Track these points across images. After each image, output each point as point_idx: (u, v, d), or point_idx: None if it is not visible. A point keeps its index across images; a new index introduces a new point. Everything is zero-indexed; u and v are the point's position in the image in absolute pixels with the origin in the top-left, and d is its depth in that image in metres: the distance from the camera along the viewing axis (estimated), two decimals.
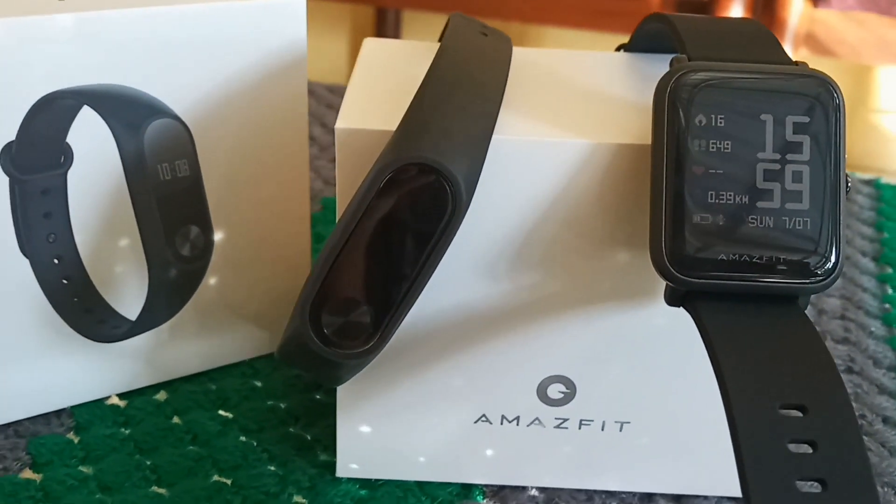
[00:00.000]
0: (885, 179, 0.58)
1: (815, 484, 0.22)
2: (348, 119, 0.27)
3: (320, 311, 0.25)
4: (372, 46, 0.33)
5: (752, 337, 0.25)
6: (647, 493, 0.33)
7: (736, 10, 1.35)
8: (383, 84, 0.30)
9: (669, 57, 0.33)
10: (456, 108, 0.26)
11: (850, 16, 1.20)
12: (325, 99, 0.64)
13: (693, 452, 0.32)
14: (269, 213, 0.36)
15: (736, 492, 0.33)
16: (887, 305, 0.46)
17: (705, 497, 0.33)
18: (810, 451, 0.22)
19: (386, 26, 1.56)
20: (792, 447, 0.22)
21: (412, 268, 0.25)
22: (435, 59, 0.27)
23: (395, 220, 0.25)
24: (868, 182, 0.58)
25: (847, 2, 1.16)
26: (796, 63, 0.27)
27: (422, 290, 0.26)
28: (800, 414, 0.23)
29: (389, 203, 0.25)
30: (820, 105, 0.26)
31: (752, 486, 0.21)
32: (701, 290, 0.26)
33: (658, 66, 0.32)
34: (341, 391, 0.31)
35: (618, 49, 0.36)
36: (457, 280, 0.29)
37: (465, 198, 0.25)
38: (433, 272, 0.25)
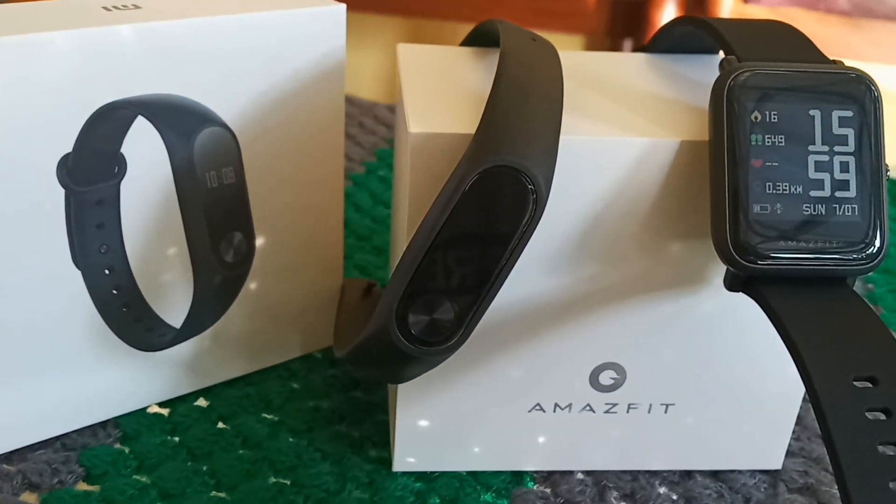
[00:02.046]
0: None
1: (893, 447, 0.24)
2: (421, 124, 0.28)
3: (407, 310, 0.26)
4: (409, 52, 0.34)
5: (817, 315, 0.27)
6: (688, 470, 0.35)
7: (669, 7, 1.39)
8: (438, 89, 0.31)
9: (697, 57, 0.35)
10: (530, 111, 0.27)
11: (779, 11, 1.25)
12: None
13: (731, 429, 0.34)
14: (306, 217, 0.37)
15: (769, 464, 0.35)
16: (870, 286, 0.49)
17: (741, 471, 0.35)
18: (883, 417, 0.24)
19: None
20: (869, 415, 0.24)
21: (494, 265, 0.26)
22: (501, 64, 0.28)
23: (479, 221, 0.26)
24: None
25: None
26: (833, 61, 0.29)
27: (502, 285, 0.27)
28: (870, 385, 0.25)
29: (474, 204, 0.26)
30: (861, 100, 0.28)
31: (840, 451, 0.23)
32: (763, 275, 0.27)
33: (692, 66, 0.34)
34: (401, 389, 0.32)
35: (636, 51, 0.37)
36: (521, 275, 0.30)
37: (545, 197, 0.26)
38: (513, 268, 0.27)
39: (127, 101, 0.30)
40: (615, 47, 1.40)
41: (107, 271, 0.32)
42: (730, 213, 0.27)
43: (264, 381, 0.38)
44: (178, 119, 0.31)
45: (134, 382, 0.35)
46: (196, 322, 0.35)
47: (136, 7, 0.31)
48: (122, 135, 0.31)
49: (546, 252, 0.30)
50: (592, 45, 1.45)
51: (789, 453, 0.36)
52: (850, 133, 0.28)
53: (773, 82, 0.28)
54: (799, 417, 0.37)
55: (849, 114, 0.28)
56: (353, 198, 0.54)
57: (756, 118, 0.27)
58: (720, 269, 0.31)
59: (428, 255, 0.26)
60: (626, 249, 0.30)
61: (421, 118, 0.28)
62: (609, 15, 1.45)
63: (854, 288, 0.49)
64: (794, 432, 0.37)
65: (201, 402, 0.37)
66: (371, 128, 0.65)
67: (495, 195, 0.26)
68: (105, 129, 0.30)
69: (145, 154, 0.31)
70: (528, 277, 0.30)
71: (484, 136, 0.26)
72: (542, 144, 0.27)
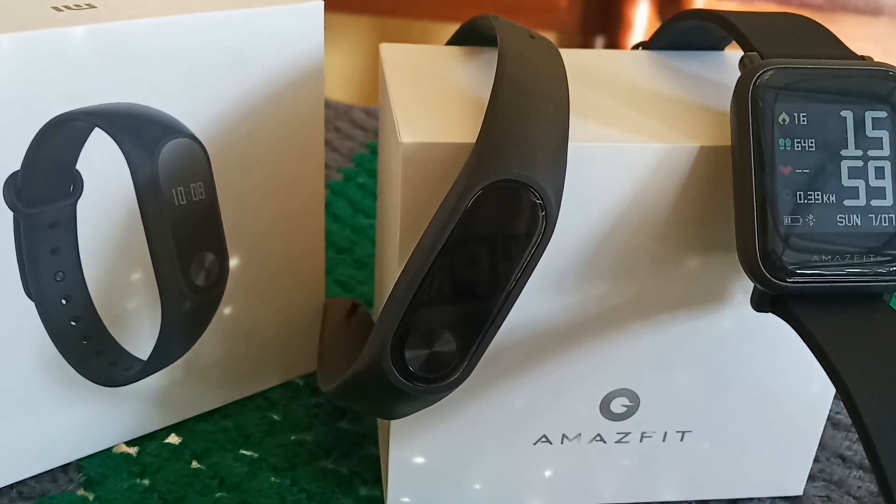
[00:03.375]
0: None
1: None
2: (413, 133, 0.25)
3: (403, 343, 0.23)
4: (394, 52, 0.31)
5: (858, 338, 0.24)
6: (704, 500, 0.32)
7: (643, 4, 1.37)
8: (428, 94, 0.28)
9: (703, 54, 0.33)
10: (536, 117, 0.24)
11: (753, 6, 1.24)
12: None
13: (750, 455, 0.32)
14: (284, 233, 0.34)
15: (790, 490, 0.32)
16: None
17: (760, 499, 0.33)
18: None
19: None
20: None
21: (500, 291, 0.23)
22: (501, 64, 0.26)
23: (483, 242, 0.23)
24: None
25: None
26: (862, 57, 0.27)
27: (509, 312, 0.24)
28: None
29: (476, 224, 0.23)
30: (895, 99, 0.25)
31: None
32: (795, 293, 0.25)
33: (697, 63, 0.32)
34: (394, 423, 0.29)
35: (636, 47, 0.35)
36: (524, 295, 0.27)
37: (555, 213, 0.23)
38: (521, 292, 0.24)
39: (82, 112, 0.27)
40: (587, 44, 1.38)
41: (63, 301, 0.29)
42: (758, 225, 0.25)
43: (242, 412, 0.35)
44: (139, 130, 0.28)
45: (97, 421, 0.32)
46: (165, 353, 0.32)
47: (91, 6, 0.28)
48: (78, 149, 0.27)
49: (552, 270, 0.27)
50: (564, 43, 1.43)
51: (809, 477, 0.34)
52: (884, 135, 0.25)
53: (801, 81, 0.25)
54: None
55: (883, 114, 0.25)
56: (332, 207, 0.51)
57: (784, 120, 0.25)
58: (740, 286, 0.28)
59: (425, 282, 0.23)
60: (639, 265, 0.27)
61: (413, 126, 0.26)
62: (581, 11, 1.43)
63: None
64: None
65: (173, 439, 0.34)
66: (348, 132, 0.62)
67: (500, 213, 0.23)
68: (57, 142, 0.27)
69: (104, 170, 0.28)
70: (532, 298, 0.27)
71: (485, 146, 0.23)
72: (550, 154, 0.24)
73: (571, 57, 0.31)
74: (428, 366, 0.24)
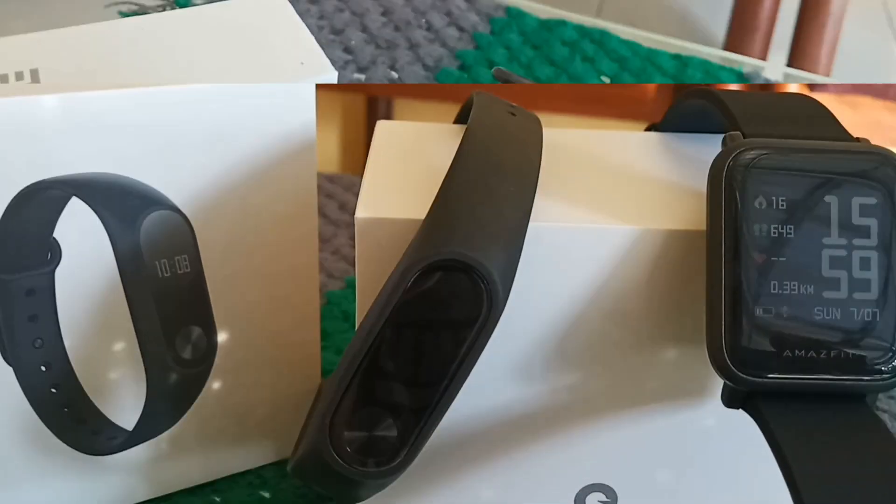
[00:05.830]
0: None
1: None
2: (369, 207, 0.25)
3: (341, 425, 0.23)
4: (386, 129, 0.31)
5: (826, 444, 0.22)
6: None
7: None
8: (403, 169, 0.28)
9: (709, 137, 0.31)
10: (488, 195, 0.23)
11: (845, 99, 1.20)
12: (324, 188, 0.61)
13: None
14: (276, 310, 0.33)
15: None
16: None
17: None
18: None
19: (376, 115, 1.55)
20: None
21: (443, 375, 0.22)
22: (463, 141, 0.25)
23: (424, 324, 0.22)
24: None
25: (843, 86, 1.16)
26: (857, 139, 0.25)
27: (453, 399, 0.23)
28: None
29: (417, 304, 0.22)
30: (887, 184, 0.24)
31: None
32: (764, 391, 0.23)
33: (699, 146, 0.30)
34: None
35: (648, 129, 0.33)
36: (487, 382, 0.26)
37: (501, 295, 0.22)
38: (466, 379, 0.23)
39: (58, 181, 0.27)
40: None
41: (43, 368, 0.29)
42: (727, 316, 0.23)
43: (232, 488, 0.35)
44: (119, 201, 0.29)
45: (79, 491, 0.32)
46: (150, 425, 0.32)
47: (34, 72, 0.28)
48: (54, 218, 0.28)
49: (516, 356, 0.26)
50: None
51: None
52: (872, 224, 0.23)
53: (781, 162, 0.24)
54: None
55: (872, 201, 0.23)
56: (349, 277, 0.51)
57: (761, 204, 0.23)
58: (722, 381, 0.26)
59: (364, 363, 0.22)
60: (609, 355, 0.26)
61: (371, 201, 0.25)
62: (669, 102, 1.41)
63: None
64: None
65: None
66: None
67: (441, 294, 0.22)
68: (32, 211, 0.27)
69: (84, 240, 0.29)
70: (496, 385, 0.26)
71: (431, 224, 0.23)
72: (500, 233, 0.23)
73: (565, 137, 0.30)
74: (367, 449, 0.23)
